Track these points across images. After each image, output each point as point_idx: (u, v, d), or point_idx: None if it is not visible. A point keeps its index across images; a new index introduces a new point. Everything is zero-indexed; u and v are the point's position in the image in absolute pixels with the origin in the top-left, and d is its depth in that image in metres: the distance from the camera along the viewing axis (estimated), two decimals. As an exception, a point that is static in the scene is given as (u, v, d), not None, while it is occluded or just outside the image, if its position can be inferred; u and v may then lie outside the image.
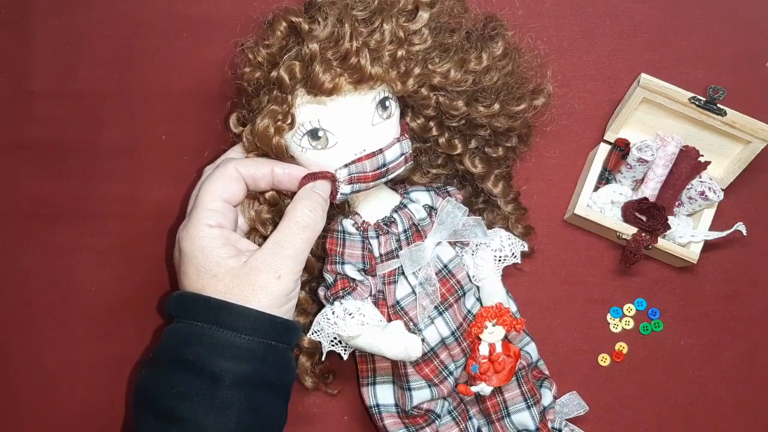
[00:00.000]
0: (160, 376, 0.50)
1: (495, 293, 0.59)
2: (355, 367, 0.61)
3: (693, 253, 0.62)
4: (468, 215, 0.59)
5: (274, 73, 0.52)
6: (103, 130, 0.65)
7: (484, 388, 0.57)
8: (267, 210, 0.55)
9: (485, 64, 0.54)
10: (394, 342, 0.54)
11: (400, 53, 0.52)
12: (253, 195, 0.55)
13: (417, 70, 0.53)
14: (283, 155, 0.54)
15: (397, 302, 0.57)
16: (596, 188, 0.64)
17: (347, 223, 0.57)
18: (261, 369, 0.49)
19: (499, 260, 0.59)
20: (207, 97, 0.62)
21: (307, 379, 0.60)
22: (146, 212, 0.64)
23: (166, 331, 0.51)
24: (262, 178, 0.53)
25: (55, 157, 0.65)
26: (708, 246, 0.63)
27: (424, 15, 0.53)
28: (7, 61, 0.66)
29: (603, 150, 0.64)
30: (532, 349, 0.61)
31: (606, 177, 0.64)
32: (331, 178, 0.53)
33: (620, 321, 0.65)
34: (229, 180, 0.52)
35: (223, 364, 0.48)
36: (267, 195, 0.54)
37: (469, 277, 0.59)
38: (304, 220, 0.52)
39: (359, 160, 0.53)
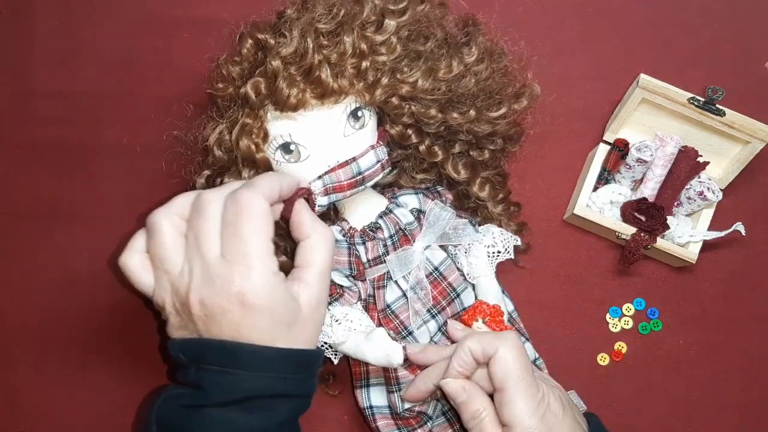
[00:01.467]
0: (214, 417, 0.47)
1: (490, 292, 0.59)
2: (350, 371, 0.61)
3: (692, 253, 0.62)
4: (459, 215, 0.59)
5: (242, 90, 0.52)
6: (103, 130, 0.65)
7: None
8: None
9: (455, 72, 0.54)
10: (375, 349, 0.54)
11: (364, 65, 0.51)
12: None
13: (384, 81, 0.52)
14: (270, 167, 0.54)
15: (387, 306, 0.57)
16: (595, 188, 0.64)
17: (334, 230, 0.57)
18: (306, 402, 0.50)
19: (493, 256, 0.59)
20: (207, 97, 0.62)
21: None
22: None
23: (216, 380, 0.47)
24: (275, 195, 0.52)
25: (55, 157, 0.65)
26: (707, 246, 0.63)
27: (390, 23, 0.52)
28: (7, 61, 0.66)
29: (602, 150, 0.64)
30: (528, 348, 0.61)
31: (605, 177, 0.64)
32: (307, 192, 0.53)
33: (619, 321, 0.65)
34: (270, 218, 0.48)
35: (281, 407, 0.48)
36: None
37: (464, 276, 0.59)
38: (331, 243, 0.50)
39: (332, 170, 0.53)
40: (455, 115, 0.55)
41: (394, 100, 0.53)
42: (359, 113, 0.53)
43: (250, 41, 0.53)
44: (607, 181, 0.64)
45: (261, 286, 0.46)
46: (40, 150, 0.65)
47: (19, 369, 0.63)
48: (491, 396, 0.53)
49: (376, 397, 0.58)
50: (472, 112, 0.55)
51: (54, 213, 0.65)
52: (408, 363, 0.56)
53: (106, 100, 0.66)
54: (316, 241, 0.50)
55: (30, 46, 0.66)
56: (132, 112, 0.66)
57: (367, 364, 0.58)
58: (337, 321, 0.55)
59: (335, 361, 0.57)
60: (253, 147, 0.52)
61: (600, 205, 0.63)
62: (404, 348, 0.55)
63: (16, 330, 0.64)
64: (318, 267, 0.49)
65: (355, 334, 0.55)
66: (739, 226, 0.62)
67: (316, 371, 0.50)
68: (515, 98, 0.58)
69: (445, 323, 0.58)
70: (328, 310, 0.55)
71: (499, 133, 0.59)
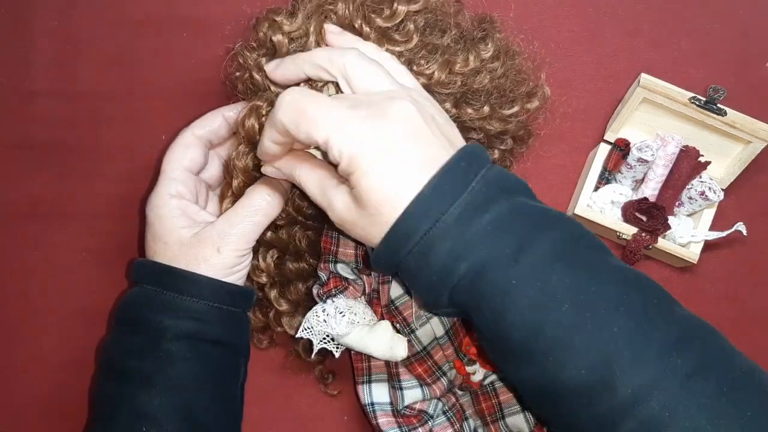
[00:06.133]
0: (114, 338, 0.54)
1: None
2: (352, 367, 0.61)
3: (693, 253, 0.62)
4: None
5: (255, 74, 0.53)
6: (103, 130, 0.65)
7: (477, 370, 0.57)
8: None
9: (471, 66, 0.54)
10: (379, 342, 0.54)
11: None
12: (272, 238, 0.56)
13: None
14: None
15: (391, 302, 0.56)
16: (596, 188, 0.64)
17: None
18: (203, 327, 0.52)
19: None
20: (207, 96, 0.62)
21: (262, 338, 0.62)
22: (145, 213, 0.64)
23: (123, 295, 0.54)
24: (220, 128, 0.56)
25: (55, 157, 0.65)
26: (708, 246, 0.63)
27: (400, 8, 0.52)
28: (7, 61, 0.66)
29: (603, 150, 0.64)
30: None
31: (606, 177, 0.64)
32: None
33: (620, 321, 0.65)
34: (186, 147, 0.55)
35: (166, 321, 0.51)
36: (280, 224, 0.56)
37: None
38: (259, 204, 0.53)
39: None
40: (469, 110, 0.55)
41: None
42: None
43: (266, 24, 0.53)
44: (608, 181, 0.64)
45: (153, 202, 0.54)
46: (39, 150, 0.65)
47: (18, 369, 0.63)
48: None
49: (377, 394, 0.58)
50: (486, 108, 0.55)
51: (53, 213, 0.64)
52: (410, 360, 0.56)
53: (106, 100, 0.65)
54: (248, 196, 0.53)
55: (30, 46, 0.66)
56: (132, 112, 0.66)
57: (369, 360, 0.58)
58: (341, 313, 0.54)
59: (337, 354, 0.56)
60: (257, 127, 0.52)
61: (601, 205, 0.63)
62: (409, 342, 0.55)
63: (15, 330, 0.63)
64: (229, 212, 0.53)
65: (358, 327, 0.54)
66: (741, 226, 0.61)
67: (202, 294, 0.52)
68: (528, 98, 0.58)
69: (452, 327, 0.57)
70: (332, 301, 0.55)
71: (510, 133, 0.59)
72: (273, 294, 0.58)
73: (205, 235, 0.52)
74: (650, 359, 0.41)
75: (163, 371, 0.50)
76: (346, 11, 0.51)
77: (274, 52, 0.53)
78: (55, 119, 0.65)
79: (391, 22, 0.52)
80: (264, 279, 0.57)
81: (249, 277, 0.57)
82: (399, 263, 0.45)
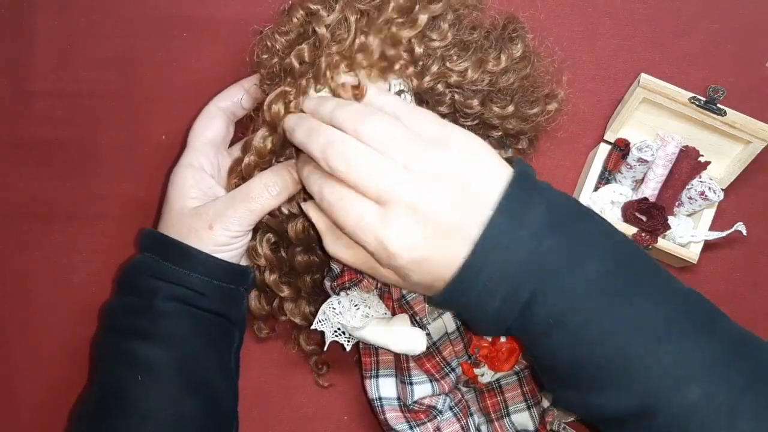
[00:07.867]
0: (113, 301, 0.57)
1: None
2: (354, 366, 0.61)
3: (693, 253, 0.62)
4: None
5: (286, 60, 0.53)
6: (103, 129, 0.65)
7: (485, 372, 0.57)
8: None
9: (503, 65, 0.54)
10: (398, 335, 0.54)
11: (418, 51, 0.52)
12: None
13: (434, 68, 0.53)
14: (286, 139, 0.54)
15: (403, 296, 0.56)
16: (596, 188, 0.64)
17: None
18: (194, 296, 0.53)
19: None
20: (207, 96, 0.62)
21: (262, 327, 0.62)
22: (146, 212, 0.64)
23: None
24: (243, 100, 0.58)
25: (54, 157, 0.65)
26: (708, 246, 0.63)
27: (422, 17, 0.52)
28: (7, 61, 0.66)
29: (603, 150, 0.64)
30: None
31: (606, 177, 0.64)
32: None
33: (620, 321, 0.65)
34: (209, 119, 0.58)
35: (158, 283, 0.53)
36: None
37: None
38: (260, 193, 0.54)
39: None
40: (495, 108, 0.56)
41: (440, 87, 0.54)
42: (401, 97, 0.53)
43: (300, 12, 0.54)
44: (608, 181, 0.64)
45: (174, 170, 0.56)
46: (38, 150, 0.65)
47: (18, 369, 0.63)
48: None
49: (385, 388, 0.58)
50: (511, 107, 0.56)
51: (52, 213, 0.65)
52: (418, 356, 0.56)
53: (106, 100, 0.65)
54: (250, 183, 0.54)
55: (30, 46, 0.66)
56: (132, 112, 0.66)
57: (378, 354, 0.57)
58: (356, 306, 0.54)
59: (348, 348, 0.56)
60: (282, 113, 0.52)
61: (601, 205, 0.63)
62: (427, 334, 0.55)
63: (15, 330, 0.63)
64: (231, 193, 0.55)
65: (374, 320, 0.54)
66: (740, 226, 0.61)
67: (193, 267, 0.53)
68: (547, 99, 0.59)
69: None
70: (347, 294, 0.55)
71: (527, 132, 0.59)
72: (272, 278, 0.58)
73: (203, 210, 0.54)
74: (691, 386, 0.43)
75: (155, 325, 0.52)
76: (368, 41, 0.51)
77: (308, 38, 0.53)
78: (55, 119, 0.65)
79: (414, 31, 0.52)
80: (262, 262, 0.57)
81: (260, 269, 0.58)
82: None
